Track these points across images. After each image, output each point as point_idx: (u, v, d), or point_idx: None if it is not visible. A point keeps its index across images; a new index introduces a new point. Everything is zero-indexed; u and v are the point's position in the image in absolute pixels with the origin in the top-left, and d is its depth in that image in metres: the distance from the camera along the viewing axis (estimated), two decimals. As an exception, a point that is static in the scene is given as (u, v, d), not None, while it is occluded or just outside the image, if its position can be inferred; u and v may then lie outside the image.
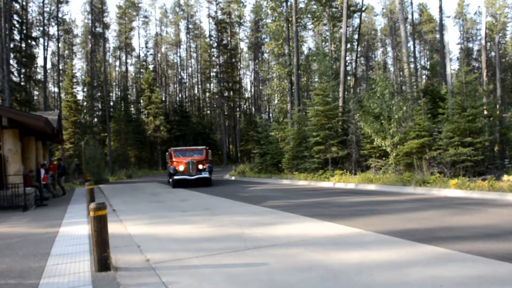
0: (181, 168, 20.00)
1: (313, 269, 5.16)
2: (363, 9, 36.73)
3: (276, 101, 44.30)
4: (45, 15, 44.89)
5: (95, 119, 54.78)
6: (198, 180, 20.39)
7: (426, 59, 66.06)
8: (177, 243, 7.16)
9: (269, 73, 47.93)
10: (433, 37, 61.99)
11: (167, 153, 22.59)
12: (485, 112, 17.30)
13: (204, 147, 22.89)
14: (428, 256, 5.55)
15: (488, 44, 52.02)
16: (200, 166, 20.41)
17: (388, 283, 4.52)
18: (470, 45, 68.01)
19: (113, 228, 8.20)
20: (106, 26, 56.33)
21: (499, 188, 11.62)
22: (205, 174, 20.28)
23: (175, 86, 69.61)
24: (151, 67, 61.88)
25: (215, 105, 61.95)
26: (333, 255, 5.80)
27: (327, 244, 6.49)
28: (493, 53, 52.31)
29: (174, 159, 20.81)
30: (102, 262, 5.36)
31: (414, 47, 38.07)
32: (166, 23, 68.17)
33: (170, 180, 20.81)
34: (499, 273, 4.66)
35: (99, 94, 55.67)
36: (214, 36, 58.61)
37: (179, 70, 68.16)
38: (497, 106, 18.31)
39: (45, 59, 43.03)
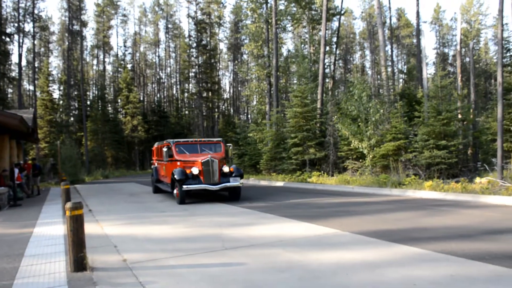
0: (194, 171, 12.76)
1: (291, 269, 5.21)
2: (342, 12, 37.10)
3: (254, 102, 44.40)
4: (20, 11, 43.92)
5: (72, 118, 53.87)
6: (224, 191, 13.94)
7: (403, 63, 67.17)
8: (155, 243, 7.12)
9: (248, 74, 47.94)
10: (410, 41, 63.04)
11: (165, 149, 14.22)
12: (459, 116, 17.67)
13: (220, 139, 15.63)
14: (403, 256, 5.66)
15: (463, 50, 53.13)
16: (226, 169, 13.28)
17: (364, 282, 4.60)
18: (446, 50, 69.39)
19: (89, 228, 8.09)
20: (83, 24, 55.52)
21: (471, 190, 11.92)
22: (235, 182, 13.11)
23: (154, 86, 69.06)
24: (129, 66, 61.20)
25: (193, 106, 61.65)
26: (311, 255, 5.86)
27: (304, 245, 6.55)
28: (467, 59, 53.48)
29: (177, 157, 13.81)
30: (78, 263, 5.30)
31: (392, 51, 38.72)
32: (145, 22, 67.62)
33: (175, 190, 13.30)
34: (471, 272, 4.79)
35: (75, 93, 54.82)
36: (194, 36, 58.30)
37: (158, 70, 67.65)
38: (471, 110, 18.71)
39: (20, 56, 42.17)
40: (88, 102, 55.64)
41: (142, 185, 23.28)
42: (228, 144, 15.42)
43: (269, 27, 33.77)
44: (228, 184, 13.00)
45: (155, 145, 18.32)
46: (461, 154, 16.76)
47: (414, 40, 54.40)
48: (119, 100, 54.09)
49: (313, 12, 36.28)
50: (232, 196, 13.67)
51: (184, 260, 5.86)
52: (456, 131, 16.43)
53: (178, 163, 13.65)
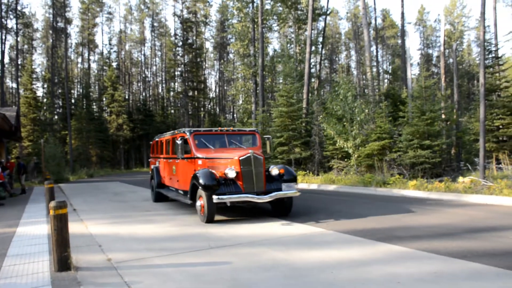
0: (230, 173, 8.87)
1: (277, 268, 5.23)
2: (328, 12, 37.29)
3: (240, 102, 44.42)
4: (3, 7, 43.27)
5: (56, 117, 53.25)
6: (272, 205, 9.69)
7: (388, 63, 67.70)
8: (140, 242, 7.08)
9: (234, 73, 47.98)
10: (395, 42, 63.60)
11: (179, 141, 10.35)
12: (443, 116, 17.90)
13: (254, 129, 11.78)
14: (388, 254, 5.73)
15: (447, 51, 53.87)
16: (275, 171, 9.34)
17: (349, 280, 4.64)
18: (430, 51, 70.17)
19: (73, 227, 8.03)
20: (68, 21, 54.86)
21: (454, 189, 12.09)
22: (289, 189, 9.07)
23: (139, 84, 68.55)
24: (114, 64, 60.71)
25: (179, 105, 61.35)
26: (296, 254, 5.89)
27: (290, 243, 6.58)
28: (451, 60, 54.20)
29: (198, 153, 9.96)
30: (62, 262, 5.25)
31: (377, 51, 39.04)
32: (131, 20, 67.08)
33: (198, 202, 9.14)
34: (453, 270, 4.86)
35: (60, 91, 54.16)
36: (179, 35, 58.09)
37: (143, 68, 67.20)
38: (454, 111, 18.96)
39: (2, 53, 41.51)
40: (73, 101, 55.05)
41: (127, 184, 23.12)
42: (266, 136, 11.64)
43: (255, 26, 33.80)
44: (280, 193, 8.83)
45: (156, 138, 14.39)
46: (444, 153, 16.99)
47: (399, 41, 54.93)
48: (104, 99, 53.63)
49: (299, 12, 36.40)
50: (280, 209, 9.54)
51: (169, 259, 5.85)
52: (440, 131, 16.65)
53: (200, 161, 9.85)
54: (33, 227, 8.87)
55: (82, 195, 17.17)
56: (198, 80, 58.72)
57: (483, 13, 13.86)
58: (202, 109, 62.24)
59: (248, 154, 8.89)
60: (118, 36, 64.81)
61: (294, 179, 9.36)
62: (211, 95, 67.61)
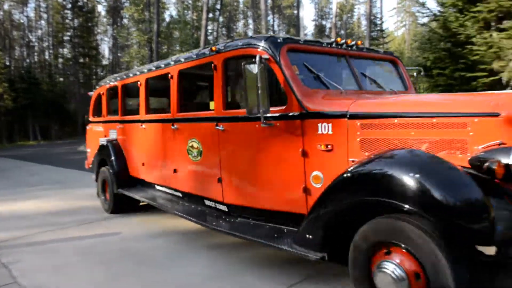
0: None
1: (168, 235, 5.26)
2: (225, -21, 37.02)
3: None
4: None
5: None
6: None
7: (284, 32, 69.32)
8: (23, 220, 6.62)
9: (128, 39, 45.98)
10: (291, 12, 65.11)
11: (256, 66, 3.26)
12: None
13: (391, 51, 5.33)
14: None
15: (338, 23, 56.41)
16: None
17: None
18: (324, 22, 72.97)
19: None
20: None
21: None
22: None
23: (22, 50, 62.84)
24: (-9, 27, 54.86)
25: (68, 72, 57.53)
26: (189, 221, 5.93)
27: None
28: (342, 32, 56.97)
29: (314, 104, 3.38)
30: None
31: (274, 20, 39.72)
32: (9, -23, 60.68)
33: (395, 271, 2.42)
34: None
35: None
36: (68, -4, 54.04)
37: (27, 32, 61.60)
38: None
39: None
40: None
41: (11, 159, 21.33)
42: (413, 68, 5.79)
43: (150, -10, 32.48)
44: None
45: (113, 80, 7.05)
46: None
47: (295, 11, 56.41)
48: (-20, 65, 48.49)
49: (196, -23, 35.65)
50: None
51: (55, 235, 5.57)
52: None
53: (328, 126, 3.30)
54: None
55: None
56: (90, 46, 55.42)
57: (368, -13, 14.70)
58: (94, 77, 58.98)
59: None
60: (-6, -6, 58.44)
61: None
62: (104, 62, 64.32)
